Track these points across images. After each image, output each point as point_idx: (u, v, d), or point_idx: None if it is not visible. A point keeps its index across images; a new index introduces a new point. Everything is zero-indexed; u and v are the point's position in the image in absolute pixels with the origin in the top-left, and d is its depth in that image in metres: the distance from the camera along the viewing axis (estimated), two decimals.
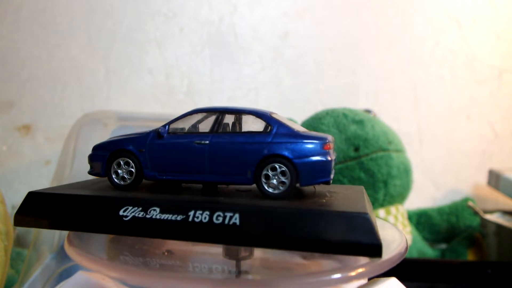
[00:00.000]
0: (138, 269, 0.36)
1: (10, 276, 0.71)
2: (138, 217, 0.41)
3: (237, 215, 0.39)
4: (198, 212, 0.40)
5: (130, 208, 0.41)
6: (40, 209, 0.43)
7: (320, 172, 0.44)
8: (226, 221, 0.39)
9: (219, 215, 0.39)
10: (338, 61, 1.13)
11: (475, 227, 0.97)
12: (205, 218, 0.39)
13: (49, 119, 1.01)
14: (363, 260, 0.38)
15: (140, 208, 0.41)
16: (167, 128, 0.48)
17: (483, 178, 1.10)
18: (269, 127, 0.46)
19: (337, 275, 0.35)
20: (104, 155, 0.49)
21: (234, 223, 0.39)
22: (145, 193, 0.45)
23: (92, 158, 0.50)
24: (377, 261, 0.38)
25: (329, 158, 0.44)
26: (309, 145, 0.44)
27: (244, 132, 0.46)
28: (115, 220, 0.41)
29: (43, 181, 0.99)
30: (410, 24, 1.15)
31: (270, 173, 0.44)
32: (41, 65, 1.01)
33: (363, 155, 0.81)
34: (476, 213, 0.95)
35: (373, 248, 0.36)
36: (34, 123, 1.01)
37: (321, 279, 0.35)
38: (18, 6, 1.00)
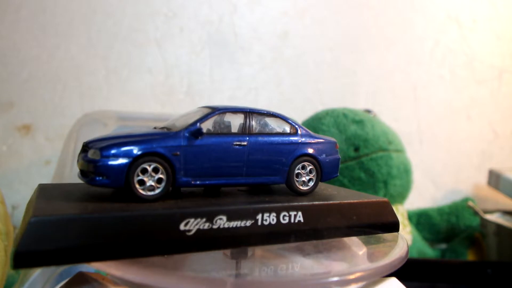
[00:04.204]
0: (138, 268, 0.36)
1: (10, 276, 0.71)
2: (203, 229, 0.37)
3: (300, 213, 0.41)
4: (266, 215, 0.40)
5: (192, 220, 0.37)
6: (58, 240, 0.33)
7: (334, 169, 0.50)
8: (292, 220, 0.41)
9: (285, 215, 0.41)
10: (338, 61, 1.13)
11: (475, 227, 0.97)
12: (273, 219, 0.40)
13: (49, 119, 1.01)
14: (364, 262, 0.39)
15: (205, 219, 0.37)
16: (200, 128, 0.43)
17: (483, 178, 1.10)
18: (293, 129, 0.49)
19: (335, 278, 0.36)
20: (125, 160, 0.39)
21: (299, 221, 0.41)
22: (187, 202, 0.41)
23: (102, 165, 0.38)
24: (378, 264, 0.39)
25: (339, 157, 0.51)
26: (327, 145, 0.50)
27: (276, 133, 0.48)
28: (176, 237, 0.36)
29: (43, 181, 0.98)
30: (410, 24, 1.15)
31: (301, 171, 0.48)
32: (41, 65, 1.01)
33: (363, 155, 0.81)
34: (476, 213, 0.95)
35: (393, 225, 0.47)
36: (34, 123, 1.00)
37: (321, 281, 0.35)
38: (18, 6, 0.99)
